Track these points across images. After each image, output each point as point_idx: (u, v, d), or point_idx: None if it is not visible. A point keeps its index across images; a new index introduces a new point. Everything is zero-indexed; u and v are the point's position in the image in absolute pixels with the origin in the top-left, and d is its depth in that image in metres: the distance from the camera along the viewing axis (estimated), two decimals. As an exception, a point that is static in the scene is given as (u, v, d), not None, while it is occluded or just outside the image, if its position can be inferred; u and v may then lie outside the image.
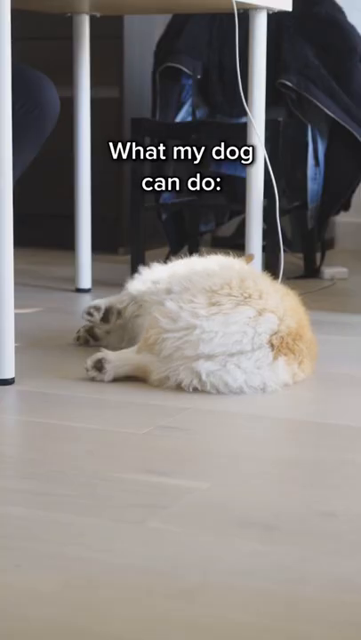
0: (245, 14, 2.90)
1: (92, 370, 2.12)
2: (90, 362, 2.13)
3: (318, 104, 3.48)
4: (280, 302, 2.10)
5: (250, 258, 2.49)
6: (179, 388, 2.05)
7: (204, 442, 1.78)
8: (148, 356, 2.08)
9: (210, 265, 2.25)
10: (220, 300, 2.04)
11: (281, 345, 2.06)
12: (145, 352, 2.09)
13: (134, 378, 2.12)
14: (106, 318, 2.37)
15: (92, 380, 2.12)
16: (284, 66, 3.55)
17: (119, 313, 2.36)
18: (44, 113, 2.84)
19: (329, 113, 3.48)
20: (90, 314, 2.38)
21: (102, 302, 2.38)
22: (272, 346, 2.05)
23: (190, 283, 2.14)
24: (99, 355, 2.13)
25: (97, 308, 2.38)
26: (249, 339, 2.02)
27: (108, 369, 2.11)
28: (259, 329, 2.03)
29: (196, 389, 2.04)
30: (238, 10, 2.81)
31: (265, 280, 2.19)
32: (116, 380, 2.12)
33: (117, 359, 2.12)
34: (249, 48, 2.92)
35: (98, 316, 2.37)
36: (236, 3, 2.72)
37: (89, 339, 2.42)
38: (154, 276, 2.33)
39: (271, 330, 2.05)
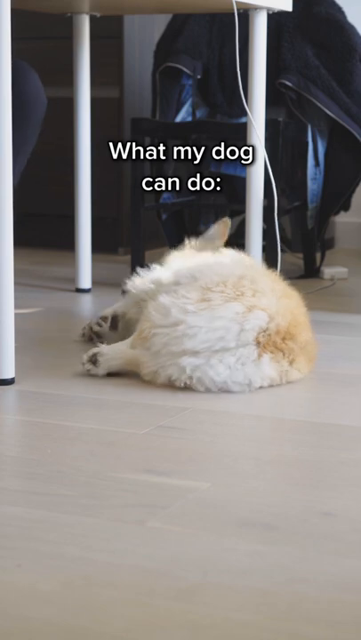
0: (245, 14, 2.90)
1: (88, 363, 2.16)
2: (85, 356, 2.17)
3: (318, 104, 3.48)
4: (274, 301, 2.09)
5: (224, 224, 2.50)
6: (178, 388, 2.05)
7: (204, 442, 1.78)
8: (140, 350, 2.10)
9: (220, 258, 2.28)
10: (211, 297, 2.05)
11: (267, 343, 2.05)
12: (138, 346, 2.11)
13: (134, 377, 2.12)
14: (114, 325, 2.41)
15: (88, 372, 2.15)
16: (284, 66, 3.55)
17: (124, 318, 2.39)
18: (27, 102, 2.82)
19: (329, 113, 3.48)
20: (99, 324, 2.43)
21: (109, 311, 2.43)
22: (258, 343, 2.04)
23: (200, 273, 2.16)
24: (94, 349, 2.18)
25: (104, 318, 2.42)
26: (233, 335, 2.02)
27: (102, 362, 2.15)
28: (246, 325, 2.03)
29: (188, 385, 2.04)
30: (238, 10, 2.81)
31: (267, 279, 2.18)
32: (114, 377, 2.13)
33: (111, 352, 2.15)
34: (249, 48, 2.92)
35: (106, 325, 2.41)
36: (236, 3, 2.72)
37: (93, 336, 2.44)
38: (153, 276, 2.34)
39: (259, 327, 2.04)
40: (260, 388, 2.07)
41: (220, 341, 2.02)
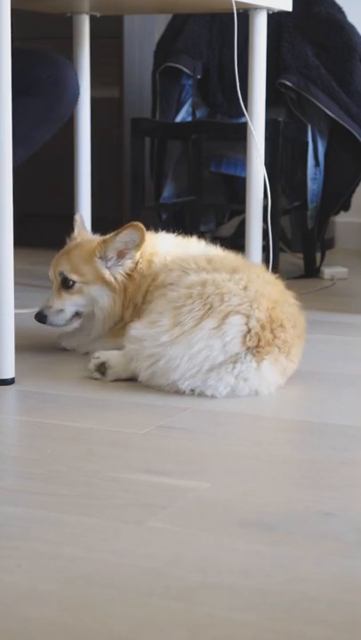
0: (245, 14, 2.90)
1: (95, 372, 2.14)
2: (93, 365, 2.15)
3: (318, 104, 3.48)
4: (243, 295, 2.05)
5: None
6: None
7: (204, 442, 1.78)
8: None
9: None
10: (182, 320, 2.02)
11: (259, 344, 2.02)
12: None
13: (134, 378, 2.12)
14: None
15: (94, 379, 2.13)
16: (284, 66, 3.55)
17: None
18: (66, 84, 2.96)
19: (329, 113, 3.48)
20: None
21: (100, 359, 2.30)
22: (250, 349, 2.02)
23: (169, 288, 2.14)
24: (101, 357, 2.15)
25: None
26: (218, 350, 1.99)
27: (110, 374, 2.13)
28: (226, 337, 2.00)
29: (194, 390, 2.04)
30: (238, 10, 2.81)
31: (225, 268, 2.14)
32: (115, 379, 2.13)
33: (119, 366, 2.13)
34: (249, 48, 2.92)
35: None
36: (236, 3, 2.72)
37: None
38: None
39: (240, 332, 2.01)
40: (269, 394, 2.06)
41: (207, 361, 1.99)
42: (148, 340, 2.03)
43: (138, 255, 2.27)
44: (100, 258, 2.27)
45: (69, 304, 2.29)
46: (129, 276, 2.26)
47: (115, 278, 2.26)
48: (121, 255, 2.27)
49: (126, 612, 1.14)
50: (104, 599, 1.17)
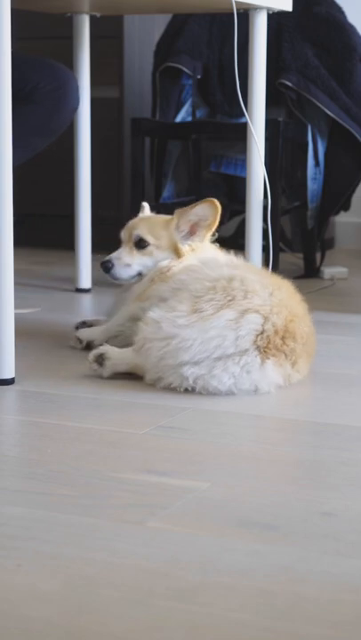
0: (245, 14, 2.90)
1: (94, 363, 2.15)
2: (92, 355, 2.16)
3: (318, 104, 3.48)
4: (267, 299, 2.07)
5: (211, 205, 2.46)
6: (178, 387, 2.05)
7: (204, 442, 1.78)
8: (141, 357, 2.10)
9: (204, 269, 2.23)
10: (201, 307, 2.04)
11: (268, 346, 2.03)
12: (138, 355, 2.11)
13: (134, 377, 2.12)
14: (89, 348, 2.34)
15: (93, 372, 2.14)
16: (284, 66, 3.55)
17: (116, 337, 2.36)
18: (66, 93, 2.98)
19: (329, 113, 3.48)
20: (75, 343, 2.43)
21: (85, 335, 2.41)
22: (258, 347, 2.03)
23: (183, 284, 2.16)
24: (101, 349, 2.16)
25: (80, 340, 2.42)
26: (230, 341, 2.01)
27: (108, 365, 2.14)
28: (241, 331, 2.01)
29: (193, 389, 2.04)
30: (238, 10, 2.81)
31: (257, 275, 2.17)
32: (115, 378, 2.13)
33: (118, 358, 2.13)
34: (249, 48, 2.91)
35: (80, 347, 2.40)
36: (236, 3, 2.72)
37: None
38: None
39: (255, 330, 2.03)
40: (268, 392, 2.06)
41: (218, 349, 2.00)
42: (165, 322, 2.05)
43: (207, 237, 2.34)
44: (176, 228, 2.34)
45: (138, 262, 2.35)
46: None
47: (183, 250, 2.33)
48: (192, 231, 2.34)
49: (126, 612, 1.14)
50: (104, 599, 1.17)
